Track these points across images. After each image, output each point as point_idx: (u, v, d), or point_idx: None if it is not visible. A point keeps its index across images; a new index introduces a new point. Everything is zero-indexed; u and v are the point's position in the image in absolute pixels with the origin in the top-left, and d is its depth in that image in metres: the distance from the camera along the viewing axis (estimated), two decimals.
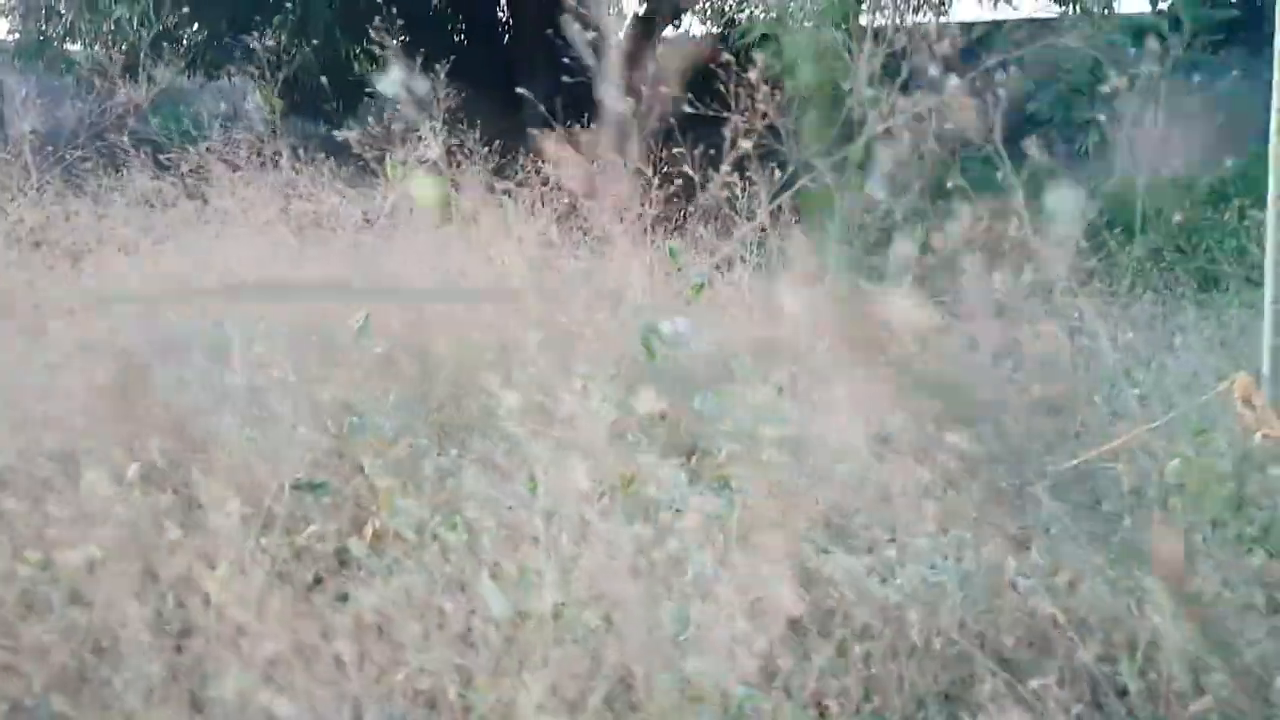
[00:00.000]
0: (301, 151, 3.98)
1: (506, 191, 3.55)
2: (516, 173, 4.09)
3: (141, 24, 9.94)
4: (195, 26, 10.87)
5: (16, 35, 10.86)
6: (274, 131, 4.32)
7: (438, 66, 4.21)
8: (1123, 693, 1.98)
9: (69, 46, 10.82)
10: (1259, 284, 3.67)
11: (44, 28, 10.74)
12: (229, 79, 10.66)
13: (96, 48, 10.13)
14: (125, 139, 3.89)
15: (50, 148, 4.02)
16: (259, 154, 3.90)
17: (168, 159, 3.84)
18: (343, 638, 1.95)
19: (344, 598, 2.01)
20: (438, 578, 1.89)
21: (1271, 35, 3.52)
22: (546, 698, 1.87)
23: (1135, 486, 3.06)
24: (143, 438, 2.18)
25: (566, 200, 3.73)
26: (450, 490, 2.25)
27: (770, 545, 2.23)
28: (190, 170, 3.71)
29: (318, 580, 2.04)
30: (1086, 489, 3.04)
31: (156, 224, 3.32)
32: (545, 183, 3.99)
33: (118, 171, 3.65)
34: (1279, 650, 2.18)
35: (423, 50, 4.71)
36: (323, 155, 3.91)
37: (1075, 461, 3.21)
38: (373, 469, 2.22)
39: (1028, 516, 2.71)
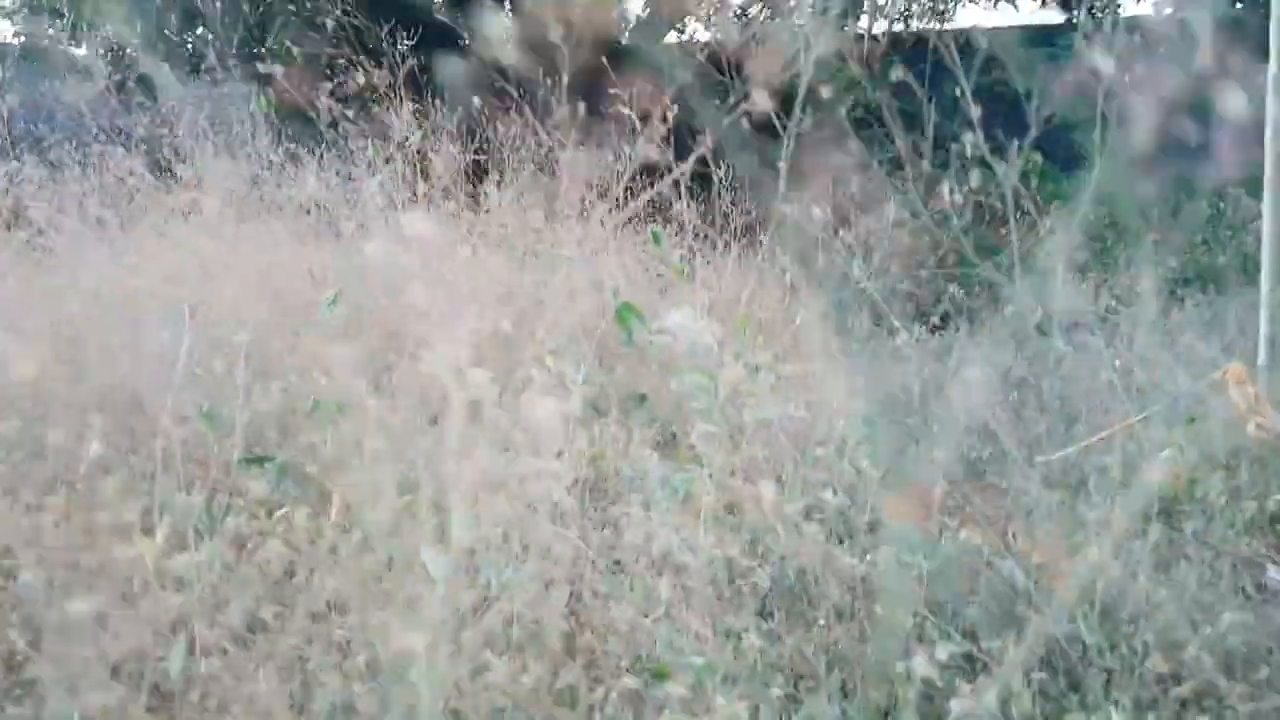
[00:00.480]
0: (290, 142, 3.94)
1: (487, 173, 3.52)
2: (504, 163, 4.03)
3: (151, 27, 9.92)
4: (199, 30, 10.86)
5: (22, 38, 10.88)
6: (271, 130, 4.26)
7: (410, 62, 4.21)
8: (1103, 671, 1.92)
9: (75, 51, 10.82)
10: (1256, 273, 3.62)
11: (49, 29, 10.75)
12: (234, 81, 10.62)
13: (100, 50, 10.14)
14: (97, 121, 3.87)
15: (32, 126, 4.02)
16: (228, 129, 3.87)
17: (141, 142, 3.80)
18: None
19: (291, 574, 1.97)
20: (390, 551, 1.84)
21: None
22: (508, 677, 1.82)
23: (1126, 475, 3.00)
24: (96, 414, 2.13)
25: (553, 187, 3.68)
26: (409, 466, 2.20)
27: (740, 524, 2.19)
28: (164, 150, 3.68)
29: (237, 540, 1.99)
30: (1075, 477, 2.98)
31: (124, 203, 3.27)
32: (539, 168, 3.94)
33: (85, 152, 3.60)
34: (1270, 633, 2.12)
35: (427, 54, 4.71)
36: (311, 144, 3.87)
37: (1065, 451, 3.16)
38: (333, 443, 2.17)
39: (1013, 503, 2.65)
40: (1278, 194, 3.49)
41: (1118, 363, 3.82)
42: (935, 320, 4.00)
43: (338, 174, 3.53)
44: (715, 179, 3.41)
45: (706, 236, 3.43)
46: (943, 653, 1.47)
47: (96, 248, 2.90)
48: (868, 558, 2.00)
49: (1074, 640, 1.91)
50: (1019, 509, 2.41)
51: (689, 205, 3.29)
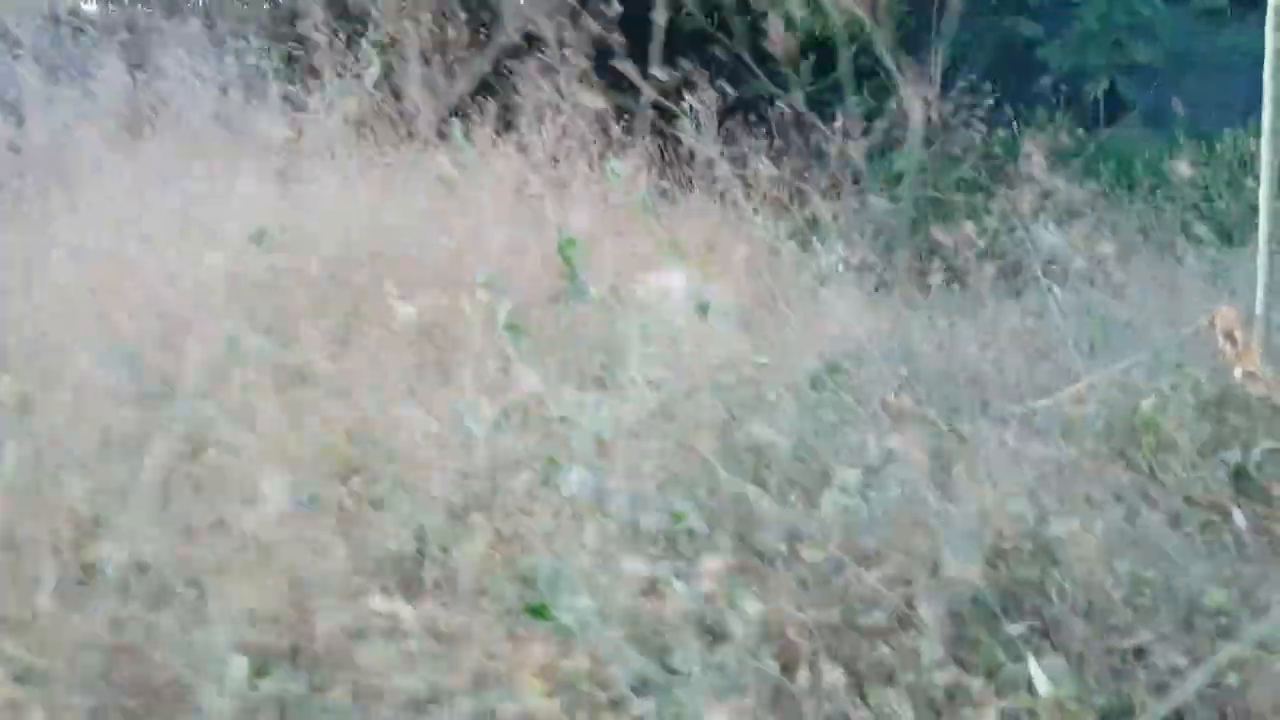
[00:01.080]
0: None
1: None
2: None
3: None
4: None
5: None
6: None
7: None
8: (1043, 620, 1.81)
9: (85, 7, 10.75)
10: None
11: None
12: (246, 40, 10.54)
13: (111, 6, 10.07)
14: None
15: None
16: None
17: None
18: None
19: None
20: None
21: None
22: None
23: (1107, 423, 2.87)
24: None
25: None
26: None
27: (673, 469, 2.08)
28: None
29: None
30: (1055, 426, 2.85)
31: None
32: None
33: None
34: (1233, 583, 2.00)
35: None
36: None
37: (1047, 400, 3.02)
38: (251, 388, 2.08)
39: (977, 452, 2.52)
40: (1277, 134, 3.27)
41: (1111, 313, 3.67)
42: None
43: (288, 100, 3.42)
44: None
45: (670, 166, 3.29)
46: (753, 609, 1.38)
47: None
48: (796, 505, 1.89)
49: (1012, 587, 1.79)
50: (969, 453, 2.29)
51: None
